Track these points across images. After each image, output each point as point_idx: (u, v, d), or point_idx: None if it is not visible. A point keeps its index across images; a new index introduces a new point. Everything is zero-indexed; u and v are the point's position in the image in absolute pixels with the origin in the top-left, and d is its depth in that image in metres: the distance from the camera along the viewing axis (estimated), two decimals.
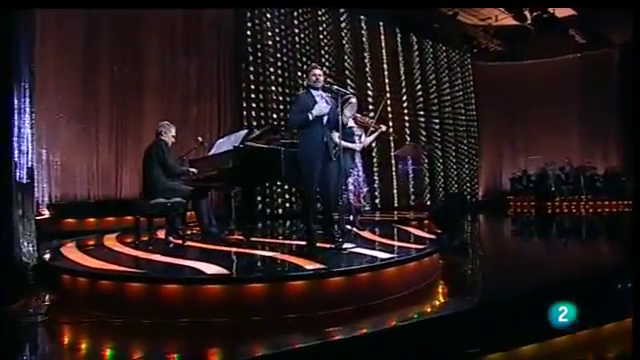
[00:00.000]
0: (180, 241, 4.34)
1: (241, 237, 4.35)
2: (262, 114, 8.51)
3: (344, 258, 3.62)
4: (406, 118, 11.08)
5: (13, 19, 4.22)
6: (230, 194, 4.64)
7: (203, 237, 4.58)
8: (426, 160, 11.15)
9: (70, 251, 4.00)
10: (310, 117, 3.91)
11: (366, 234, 4.97)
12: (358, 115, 5.26)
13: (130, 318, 2.88)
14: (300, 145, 4.19)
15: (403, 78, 11.16)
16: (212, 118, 8.28)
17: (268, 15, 8.86)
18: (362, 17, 10.51)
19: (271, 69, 8.81)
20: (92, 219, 5.79)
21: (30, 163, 5.21)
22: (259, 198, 7.68)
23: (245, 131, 4.70)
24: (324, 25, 9.87)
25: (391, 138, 8.74)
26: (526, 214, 11.46)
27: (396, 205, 10.40)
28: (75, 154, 6.44)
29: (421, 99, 11.47)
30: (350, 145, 5.09)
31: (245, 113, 8.31)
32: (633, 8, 3.48)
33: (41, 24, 5.86)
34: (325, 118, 4.14)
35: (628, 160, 10.94)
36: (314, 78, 4.15)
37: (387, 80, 10.85)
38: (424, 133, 11.40)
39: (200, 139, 4.99)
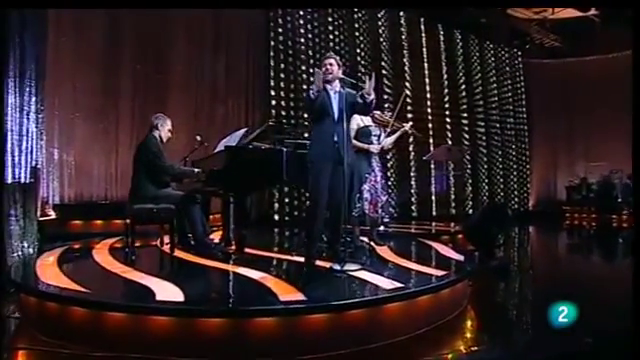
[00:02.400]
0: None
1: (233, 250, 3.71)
2: (292, 113, 7.91)
3: (339, 285, 2.85)
4: (448, 120, 10.00)
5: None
6: (229, 200, 4.03)
7: (195, 248, 3.97)
8: (468, 165, 10.00)
9: (45, 261, 3.53)
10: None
11: (383, 251, 4.14)
12: (377, 112, 4.45)
13: (75, 348, 2.33)
14: (309, 145, 3.50)
15: (445, 78, 10.10)
16: (240, 117, 7.78)
17: (301, 12, 8.29)
18: (401, 14, 9.60)
19: (302, 67, 8.24)
20: (99, 221, 5.41)
21: (34, 162, 4.91)
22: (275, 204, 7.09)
23: (244, 129, 4.05)
24: (360, 22, 9.11)
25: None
26: (585, 227, 9.92)
27: (434, 214, 9.36)
28: (92, 154, 6.14)
29: (465, 100, 10.32)
30: (366, 146, 4.29)
31: (274, 112, 7.74)
32: (633, 8, 2.96)
33: (57, 21, 5.62)
34: (336, 114, 3.41)
35: None
36: (324, 69, 3.44)
37: (427, 80, 9.85)
38: (467, 136, 10.24)
39: (199, 138, 4.41)
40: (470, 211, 9.69)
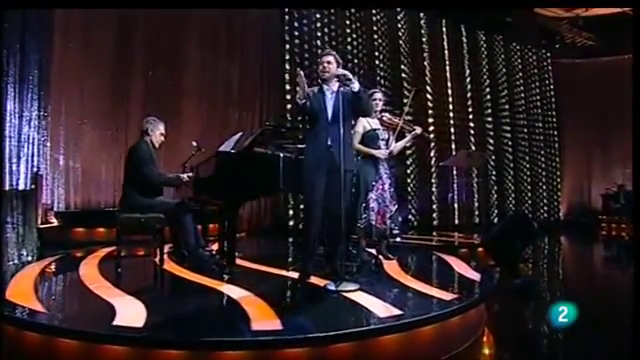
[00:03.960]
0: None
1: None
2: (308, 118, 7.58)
3: (328, 310, 2.45)
4: (471, 125, 9.39)
5: None
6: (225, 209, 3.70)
7: (188, 261, 3.65)
8: (493, 172, 9.34)
9: (26, 273, 3.29)
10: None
11: (391, 266, 3.69)
12: (385, 114, 4.02)
13: None
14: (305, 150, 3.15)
15: (468, 81, 9.50)
16: (254, 122, 7.51)
17: (317, 15, 7.99)
18: (421, 15, 9.12)
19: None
20: (102, 229, 5.19)
21: (35, 169, 4.76)
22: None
23: (239, 134, 3.71)
24: (378, 25, 8.70)
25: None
26: (624, 238, 9.00)
27: (457, 223, 8.75)
28: (100, 160, 5.99)
29: (489, 104, 9.68)
30: (373, 151, 3.87)
31: (290, 117, 7.42)
32: (633, 8, 2.68)
33: (64, 28, 5.50)
34: (330, 115, 3.04)
35: None
36: (321, 67, 3.09)
37: (450, 84, 9.30)
38: (492, 142, 9.58)
39: (195, 143, 4.11)
40: (495, 220, 9.02)
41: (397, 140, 3.99)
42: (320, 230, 3.09)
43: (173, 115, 6.87)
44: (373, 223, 3.81)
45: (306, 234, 3.09)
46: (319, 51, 7.98)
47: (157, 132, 3.80)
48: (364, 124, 3.94)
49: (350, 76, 2.95)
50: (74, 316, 2.41)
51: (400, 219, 4.00)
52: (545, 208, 10.30)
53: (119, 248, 3.41)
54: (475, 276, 3.35)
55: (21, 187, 4.43)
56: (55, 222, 5.03)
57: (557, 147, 10.52)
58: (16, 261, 3.97)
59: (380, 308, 2.40)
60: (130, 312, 2.27)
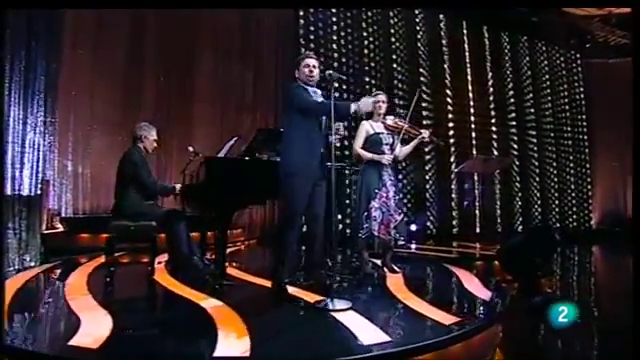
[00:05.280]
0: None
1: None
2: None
3: (307, 332, 2.19)
4: (493, 129, 8.90)
5: None
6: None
7: (181, 271, 3.48)
8: (517, 178, 8.81)
9: (13, 281, 3.19)
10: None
11: (394, 281, 3.39)
12: (390, 117, 3.74)
13: None
14: (283, 153, 2.90)
15: (491, 84, 9.02)
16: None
17: (333, 18, 7.78)
18: (441, 16, 8.75)
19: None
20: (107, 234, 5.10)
21: (40, 175, 4.73)
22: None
23: (234, 138, 3.52)
24: (395, 28, 8.39)
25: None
26: None
27: (478, 232, 8.27)
28: (110, 166, 5.90)
29: (513, 107, 9.16)
30: (376, 157, 3.59)
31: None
32: (633, 8, 2.86)
33: (74, 34, 5.51)
34: (322, 121, 2.83)
35: None
36: (307, 71, 2.88)
37: (471, 87, 8.86)
38: (516, 146, 9.05)
39: (191, 149, 3.95)
40: (519, 229, 8.48)
41: (402, 144, 3.71)
42: (297, 240, 2.87)
43: (185, 121, 6.82)
44: (375, 234, 3.53)
45: (282, 244, 2.85)
46: (334, 55, 7.81)
47: (150, 138, 3.68)
48: (367, 127, 3.68)
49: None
50: (34, 332, 2.24)
51: (407, 229, 3.70)
52: (575, 216, 9.63)
53: (108, 257, 3.26)
54: (486, 294, 3.00)
55: (25, 193, 4.38)
56: (60, 228, 5.01)
57: (587, 152, 9.84)
58: (11, 268, 3.92)
59: (367, 333, 2.11)
60: (93, 330, 2.09)
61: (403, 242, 3.63)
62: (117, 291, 3.12)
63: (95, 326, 2.15)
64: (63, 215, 5.24)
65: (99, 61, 5.82)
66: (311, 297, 2.73)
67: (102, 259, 4.03)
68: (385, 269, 3.71)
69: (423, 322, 2.35)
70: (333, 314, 2.42)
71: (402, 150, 3.77)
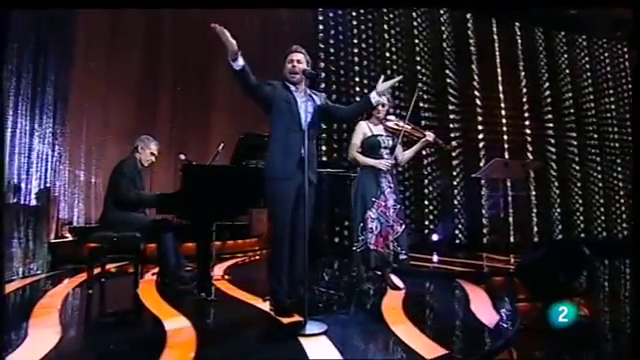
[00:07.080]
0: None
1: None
2: (343, 126, 7.06)
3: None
4: (527, 132, 8.21)
5: None
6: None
7: (168, 283, 3.30)
8: (555, 183, 8.03)
9: None
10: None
11: (393, 300, 3.02)
12: (391, 118, 3.39)
13: None
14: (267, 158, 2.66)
15: (524, 84, 8.35)
16: None
17: (353, 22, 7.52)
18: (468, 15, 8.24)
19: (356, 79, 7.42)
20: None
21: (47, 185, 4.77)
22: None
23: (222, 144, 3.32)
24: (419, 29, 7.98)
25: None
26: None
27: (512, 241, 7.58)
28: None
29: (549, 107, 8.41)
30: (373, 162, 3.26)
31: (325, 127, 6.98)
32: (633, 8, 2.75)
33: (86, 42, 5.58)
34: (303, 122, 2.57)
35: None
36: (290, 66, 2.63)
37: (502, 87, 8.24)
38: (554, 150, 8.28)
39: (182, 156, 3.78)
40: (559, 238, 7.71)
41: (403, 148, 3.35)
42: (291, 252, 2.57)
43: (201, 130, 6.77)
44: (372, 247, 3.17)
45: (273, 256, 2.57)
46: (355, 59, 7.52)
47: (147, 151, 3.57)
48: (364, 129, 3.35)
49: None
50: None
51: (409, 241, 3.31)
52: (624, 225, 8.64)
53: (90, 270, 3.14)
54: (493, 320, 2.56)
55: (33, 203, 4.41)
56: (69, 237, 5.03)
57: (633, 155, 8.83)
58: (15, 277, 3.91)
59: None
60: (36, 348, 1.91)
61: (405, 257, 3.25)
62: (94, 304, 2.97)
63: (38, 345, 1.98)
64: (75, 224, 5.26)
65: (112, 72, 5.87)
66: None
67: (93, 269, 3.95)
68: (386, 284, 3.35)
69: (401, 355, 1.98)
70: (302, 339, 2.11)
71: (404, 154, 3.41)
